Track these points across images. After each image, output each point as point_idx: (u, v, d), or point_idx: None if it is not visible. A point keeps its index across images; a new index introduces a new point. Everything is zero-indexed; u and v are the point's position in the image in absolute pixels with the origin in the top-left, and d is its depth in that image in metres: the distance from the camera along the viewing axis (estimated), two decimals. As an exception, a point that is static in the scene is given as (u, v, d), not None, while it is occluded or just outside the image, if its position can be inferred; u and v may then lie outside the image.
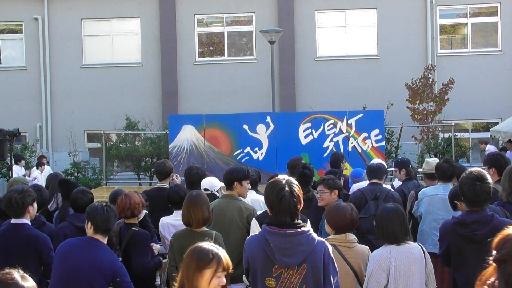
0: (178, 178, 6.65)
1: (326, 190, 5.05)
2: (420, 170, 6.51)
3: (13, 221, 4.40)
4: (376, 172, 5.81)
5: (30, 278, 2.08)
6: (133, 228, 4.66)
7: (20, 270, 2.07)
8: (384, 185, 5.89)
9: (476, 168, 4.03)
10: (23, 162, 14.33)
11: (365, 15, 18.51)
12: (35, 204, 4.49)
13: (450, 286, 3.95)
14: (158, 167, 6.29)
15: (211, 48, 19.40)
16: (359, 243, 4.07)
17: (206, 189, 5.30)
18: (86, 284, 3.75)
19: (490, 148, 14.53)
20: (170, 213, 5.23)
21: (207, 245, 2.65)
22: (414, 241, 5.61)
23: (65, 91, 18.72)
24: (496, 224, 3.73)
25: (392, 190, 5.92)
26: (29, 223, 4.45)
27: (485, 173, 3.93)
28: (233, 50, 19.22)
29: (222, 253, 2.61)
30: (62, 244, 3.94)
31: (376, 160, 7.02)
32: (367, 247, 4.08)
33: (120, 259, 4.45)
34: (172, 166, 6.48)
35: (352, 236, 3.99)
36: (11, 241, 4.28)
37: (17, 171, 13.60)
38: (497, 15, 18.25)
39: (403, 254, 3.71)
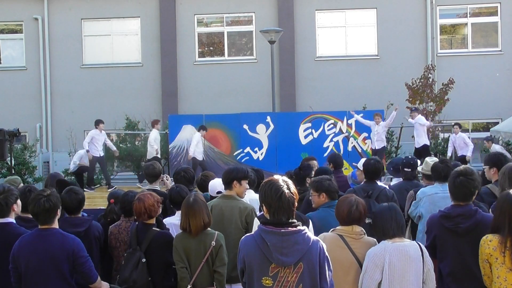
0: (168, 180, 6.63)
1: (314, 193, 5.05)
2: (419, 169, 6.43)
3: None
4: (372, 172, 5.80)
5: None
6: (154, 229, 4.63)
7: None
8: (378, 183, 5.88)
9: (465, 166, 4.26)
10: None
11: (365, 15, 18.51)
12: (18, 202, 4.52)
13: (437, 277, 4.05)
14: (148, 170, 6.25)
15: (211, 48, 19.41)
16: None
17: (219, 192, 5.28)
18: (57, 272, 4.07)
19: (496, 148, 14.33)
20: (164, 214, 5.23)
21: None
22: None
23: (65, 91, 18.74)
24: (479, 218, 3.98)
25: (387, 188, 5.87)
26: (14, 221, 4.47)
27: (472, 169, 4.11)
28: (233, 50, 19.22)
29: None
30: (15, 245, 4.11)
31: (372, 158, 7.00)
32: (374, 239, 4.08)
33: (144, 260, 4.47)
34: (161, 168, 6.47)
35: (359, 228, 4.02)
36: None
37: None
38: (497, 15, 18.25)
39: (397, 251, 3.73)
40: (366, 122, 13.87)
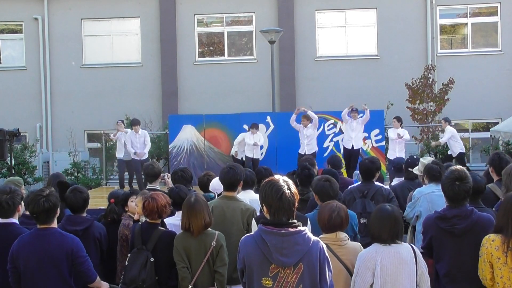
0: (169, 179, 6.64)
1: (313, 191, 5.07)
2: (415, 171, 6.35)
3: (0, 220, 4.43)
4: (367, 171, 5.80)
5: None
6: (160, 228, 4.64)
7: None
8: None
9: (458, 167, 4.21)
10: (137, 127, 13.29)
11: (365, 15, 18.50)
12: (22, 203, 4.58)
13: (433, 278, 4.05)
14: (147, 170, 6.36)
15: (211, 48, 19.41)
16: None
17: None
18: (56, 272, 4.06)
19: (449, 129, 13.26)
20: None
21: None
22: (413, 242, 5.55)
23: (65, 91, 18.73)
24: (476, 219, 3.97)
25: (384, 187, 5.86)
26: (17, 222, 4.50)
27: (465, 172, 4.10)
28: (233, 50, 19.22)
29: None
30: (14, 244, 4.11)
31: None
32: (359, 244, 4.09)
33: (152, 259, 4.47)
34: (161, 167, 6.51)
35: (342, 234, 4.00)
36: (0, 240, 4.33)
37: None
38: (497, 15, 18.24)
39: (390, 253, 3.70)
40: (297, 126, 12.99)
